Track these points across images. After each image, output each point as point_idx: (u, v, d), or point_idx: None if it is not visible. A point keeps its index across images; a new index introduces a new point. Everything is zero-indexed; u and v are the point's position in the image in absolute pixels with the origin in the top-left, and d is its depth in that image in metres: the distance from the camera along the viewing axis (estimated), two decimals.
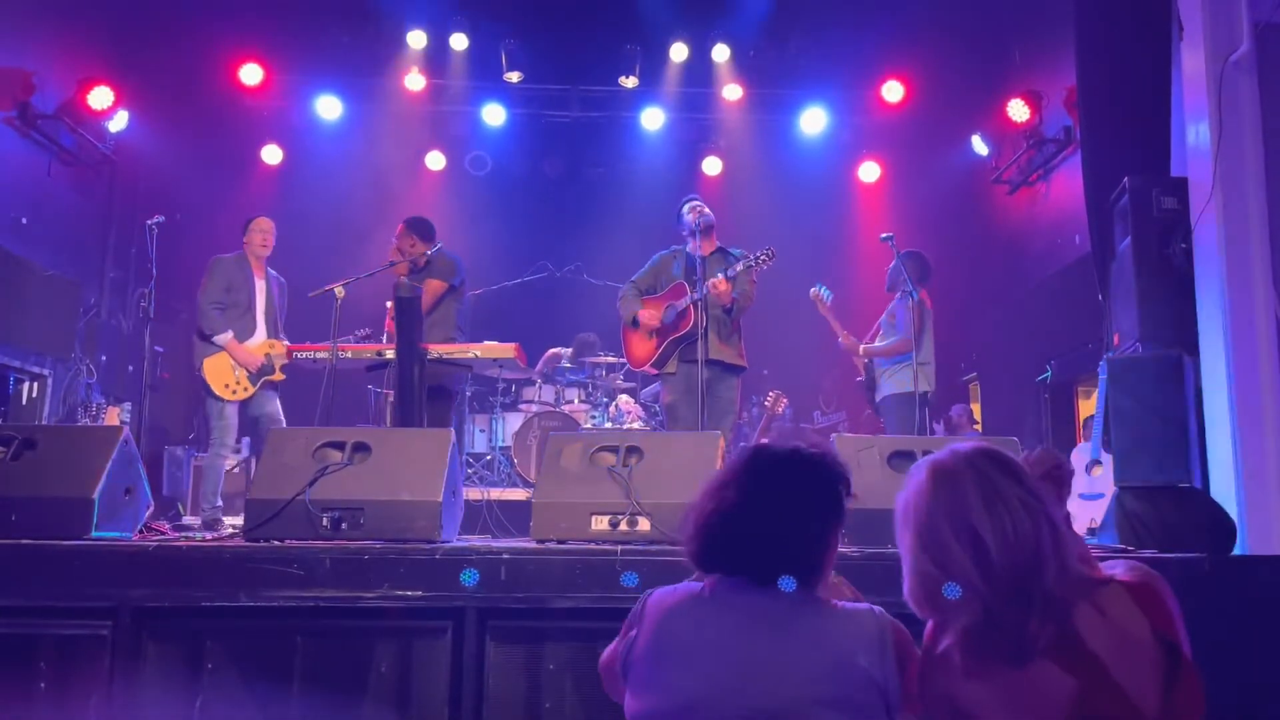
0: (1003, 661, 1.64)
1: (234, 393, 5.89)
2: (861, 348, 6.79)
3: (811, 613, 1.82)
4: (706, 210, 5.65)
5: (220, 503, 6.02)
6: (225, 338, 5.88)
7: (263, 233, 6.21)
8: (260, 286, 6.14)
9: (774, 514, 1.84)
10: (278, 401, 6.09)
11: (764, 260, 5.39)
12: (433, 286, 5.67)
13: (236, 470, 7.80)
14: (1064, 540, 1.69)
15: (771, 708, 1.72)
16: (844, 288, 9.65)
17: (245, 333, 5.97)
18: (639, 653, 1.86)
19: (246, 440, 7.73)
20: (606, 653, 2.03)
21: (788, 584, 1.82)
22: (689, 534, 1.91)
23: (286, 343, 6.09)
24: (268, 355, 5.97)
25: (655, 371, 5.73)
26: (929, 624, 1.79)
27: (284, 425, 6.05)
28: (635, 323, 5.67)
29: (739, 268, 5.41)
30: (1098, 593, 1.68)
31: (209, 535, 4.55)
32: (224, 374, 5.88)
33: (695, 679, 1.77)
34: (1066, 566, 1.67)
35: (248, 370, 5.89)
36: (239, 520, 4.53)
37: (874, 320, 8.14)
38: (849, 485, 1.94)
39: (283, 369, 6.04)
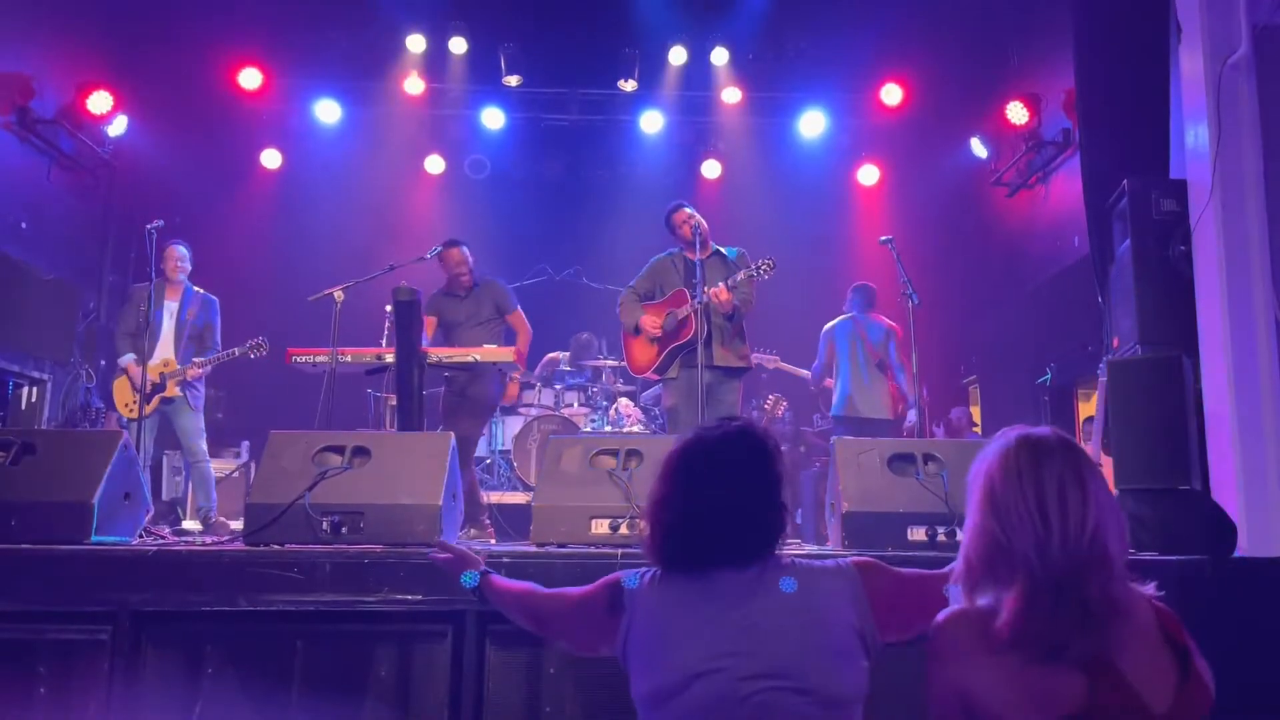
0: (1030, 655, 1.62)
1: (131, 411, 6.11)
2: (810, 378, 7.58)
3: (791, 571, 1.96)
4: (697, 219, 5.62)
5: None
6: (124, 361, 6.20)
7: (172, 260, 6.38)
8: (170, 309, 6.31)
9: (718, 504, 1.95)
10: (197, 418, 6.27)
11: (764, 270, 5.39)
12: (523, 319, 6.19)
13: (236, 475, 7.79)
14: (1118, 557, 1.68)
15: (774, 669, 1.83)
16: (843, 291, 9.68)
17: (146, 356, 6.12)
18: (637, 637, 1.96)
19: (246, 444, 7.73)
20: (551, 603, 2.21)
21: (788, 585, 1.94)
22: (652, 545, 2.01)
23: (208, 358, 6.27)
24: (161, 374, 6.16)
25: (657, 378, 5.74)
26: (949, 609, 1.76)
27: (200, 439, 6.27)
28: (637, 330, 5.67)
29: (740, 277, 5.40)
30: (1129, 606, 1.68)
31: (209, 539, 4.55)
32: (124, 395, 6.23)
33: (698, 653, 1.86)
34: (1112, 583, 1.64)
35: (140, 391, 6.06)
36: (238, 524, 4.53)
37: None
38: (777, 447, 2.05)
39: (185, 387, 6.20)
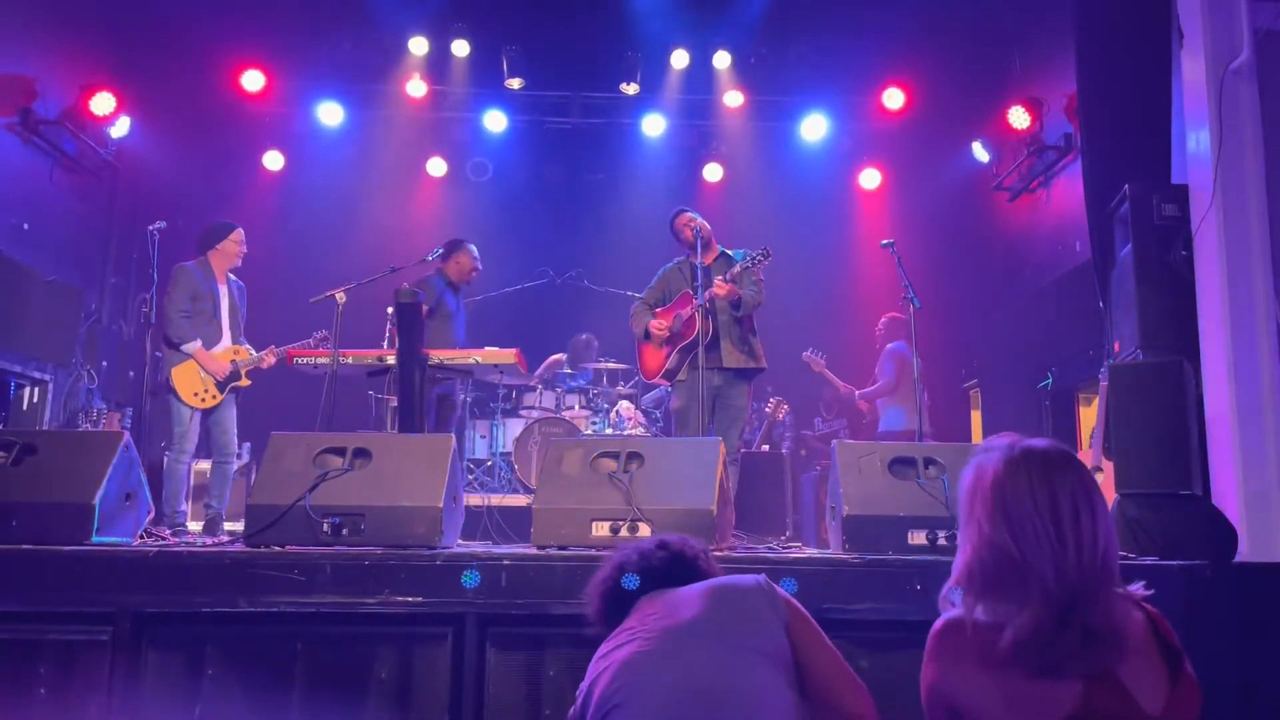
0: (1027, 671, 1.63)
1: (202, 400, 5.87)
2: (857, 394, 7.88)
3: (718, 593, 2.03)
4: (699, 222, 5.65)
5: (185, 507, 6.01)
6: (193, 346, 5.86)
7: (241, 243, 6.19)
8: (224, 293, 6.12)
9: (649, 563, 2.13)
10: (234, 410, 6.07)
11: (759, 259, 5.41)
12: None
13: (237, 476, 7.78)
14: (1118, 572, 1.70)
15: (723, 671, 1.88)
16: (844, 294, 9.70)
17: (211, 339, 5.96)
18: (591, 688, 1.96)
19: (248, 445, 7.73)
20: None
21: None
22: (595, 611, 2.15)
23: (249, 348, 6.10)
24: (233, 361, 5.98)
25: (667, 383, 5.75)
26: (954, 613, 1.76)
27: (234, 433, 6.09)
28: (647, 335, 5.71)
29: (736, 270, 5.44)
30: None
31: (210, 540, 4.55)
32: (193, 382, 5.86)
33: (637, 660, 1.90)
34: (1113, 600, 1.66)
35: (215, 378, 5.89)
36: (238, 526, 4.53)
37: (875, 326, 8.18)
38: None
39: (250, 375, 6.06)
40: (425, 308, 5.88)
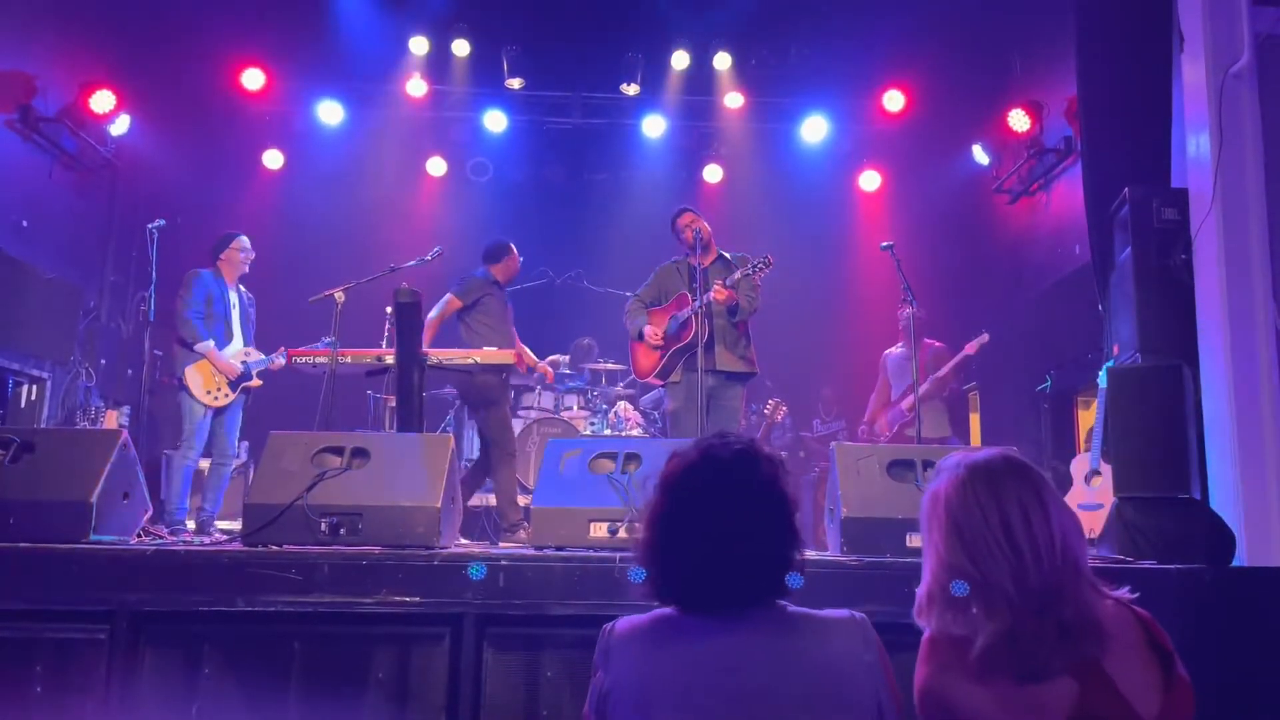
0: (1012, 677, 1.64)
1: (215, 398, 6.05)
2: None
3: (798, 626, 1.75)
4: (700, 224, 5.64)
5: (185, 506, 6.08)
6: (206, 346, 6.04)
7: (247, 250, 6.38)
8: (234, 299, 6.31)
9: (722, 539, 1.75)
10: (241, 413, 6.26)
11: (761, 267, 5.41)
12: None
13: (235, 475, 7.78)
14: (1086, 566, 1.71)
15: None
16: (844, 296, 9.70)
17: (223, 341, 6.14)
18: (619, 697, 1.70)
19: (246, 445, 7.72)
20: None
21: (796, 580, 1.79)
22: (645, 569, 1.81)
23: (259, 352, 6.23)
24: (244, 362, 6.16)
25: (660, 382, 5.75)
26: (930, 630, 1.78)
27: (236, 436, 6.26)
28: (640, 336, 5.71)
29: (736, 276, 5.43)
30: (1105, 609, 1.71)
31: (206, 539, 4.55)
32: (206, 380, 6.04)
33: (695, 712, 1.66)
34: (1085, 594, 1.68)
35: (227, 378, 6.05)
36: (236, 525, 4.52)
37: (874, 327, 8.19)
38: (784, 469, 1.86)
39: (260, 375, 6.23)
40: (461, 304, 6.06)
